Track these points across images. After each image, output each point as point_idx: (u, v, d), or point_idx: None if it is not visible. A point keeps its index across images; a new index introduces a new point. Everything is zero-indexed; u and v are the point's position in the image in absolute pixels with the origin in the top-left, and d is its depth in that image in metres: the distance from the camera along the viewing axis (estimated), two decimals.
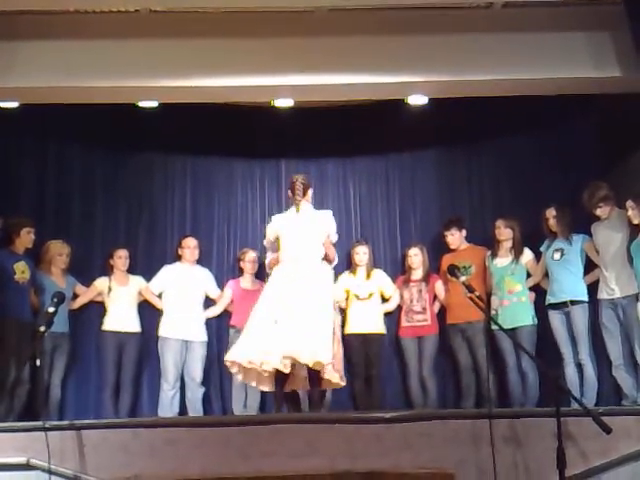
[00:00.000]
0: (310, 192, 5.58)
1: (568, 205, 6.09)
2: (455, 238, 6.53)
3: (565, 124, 6.61)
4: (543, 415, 4.17)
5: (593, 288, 5.90)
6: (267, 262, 5.64)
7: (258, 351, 5.00)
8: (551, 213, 6.12)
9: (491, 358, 6.05)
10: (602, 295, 5.76)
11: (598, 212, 5.85)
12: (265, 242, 5.68)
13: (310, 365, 4.98)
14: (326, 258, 5.46)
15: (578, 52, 5.62)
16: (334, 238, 5.58)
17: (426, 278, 6.52)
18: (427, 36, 5.65)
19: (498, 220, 6.38)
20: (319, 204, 6.76)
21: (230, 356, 5.18)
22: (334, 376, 5.04)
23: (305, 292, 5.13)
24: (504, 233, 6.33)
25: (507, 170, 6.97)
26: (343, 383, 5.22)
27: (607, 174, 6.13)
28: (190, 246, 6.68)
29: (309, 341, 4.95)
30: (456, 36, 5.63)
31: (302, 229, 5.38)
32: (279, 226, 5.48)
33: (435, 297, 6.56)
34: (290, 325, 5.02)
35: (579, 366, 5.85)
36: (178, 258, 6.72)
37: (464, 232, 6.56)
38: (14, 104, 5.94)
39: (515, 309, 6.14)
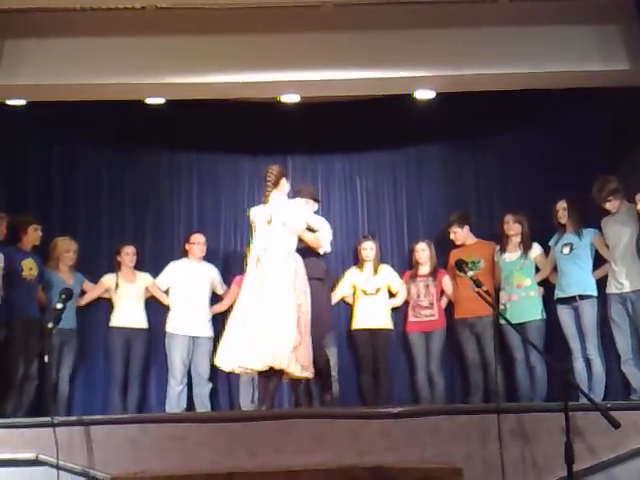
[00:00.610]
0: (284, 182, 5.48)
1: (578, 198, 6.06)
2: (459, 235, 6.51)
3: (573, 118, 6.56)
4: (551, 410, 4.16)
5: (602, 282, 5.88)
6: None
7: (240, 355, 5.00)
8: (562, 206, 6.09)
9: (499, 353, 6.06)
10: (611, 290, 5.74)
11: (608, 206, 5.82)
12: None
13: (263, 369, 4.99)
14: (309, 248, 5.44)
15: (586, 45, 5.59)
16: (317, 225, 5.55)
17: (433, 273, 6.51)
18: (434, 30, 5.63)
19: (507, 215, 6.37)
20: (325, 200, 6.81)
21: (219, 362, 5.18)
22: (296, 369, 4.97)
23: (262, 291, 5.08)
24: (513, 228, 6.32)
25: (514, 164, 6.94)
26: (306, 375, 5.11)
27: (616, 168, 6.09)
28: (200, 242, 6.68)
29: (261, 346, 4.93)
30: (463, 30, 5.61)
31: (269, 221, 5.32)
32: (252, 218, 5.46)
33: (442, 292, 6.55)
34: (250, 328, 5.01)
35: (587, 361, 5.84)
36: (185, 254, 6.73)
37: (467, 228, 6.54)
38: (21, 102, 5.96)
39: (524, 304, 6.12)
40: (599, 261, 5.99)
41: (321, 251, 5.57)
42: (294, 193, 5.72)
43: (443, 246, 6.67)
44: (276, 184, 5.42)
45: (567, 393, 3.74)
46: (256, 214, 5.45)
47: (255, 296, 5.11)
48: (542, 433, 4.15)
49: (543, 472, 4.10)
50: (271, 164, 5.56)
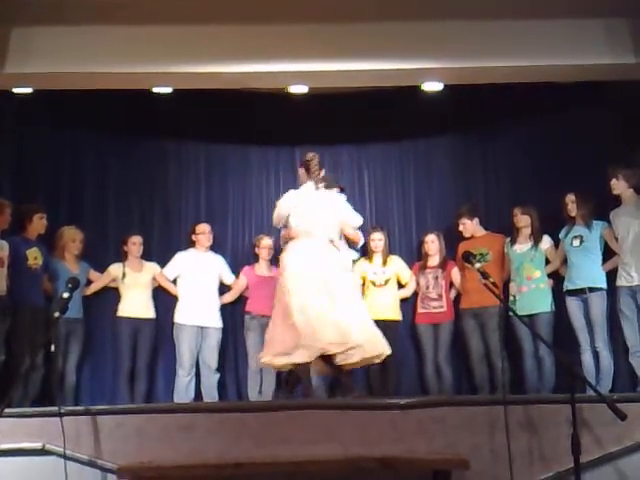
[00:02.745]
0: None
1: (588, 191, 6.05)
2: (467, 227, 6.50)
3: (581, 110, 6.53)
4: (558, 401, 4.15)
5: (611, 275, 5.86)
6: (281, 235, 5.56)
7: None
8: (570, 199, 6.08)
9: (506, 344, 6.05)
10: (621, 282, 5.73)
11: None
12: (276, 218, 5.55)
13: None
14: (350, 242, 5.50)
15: (594, 38, 5.55)
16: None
17: (443, 265, 6.50)
18: (442, 22, 5.59)
19: (515, 208, 6.36)
20: None
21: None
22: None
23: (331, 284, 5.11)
24: (522, 220, 6.31)
25: (523, 156, 6.91)
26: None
27: (624, 160, 6.07)
28: (205, 232, 6.69)
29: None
30: (471, 22, 5.57)
31: (319, 206, 5.35)
32: (296, 202, 5.42)
33: (451, 284, 6.54)
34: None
35: (595, 353, 5.83)
36: (192, 244, 6.73)
37: (476, 220, 6.52)
38: (28, 90, 5.94)
39: (533, 296, 6.12)
40: (609, 254, 5.97)
41: (359, 245, 5.66)
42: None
43: (452, 238, 6.66)
44: (320, 172, 5.45)
45: (574, 385, 3.72)
46: (301, 198, 5.42)
47: (322, 288, 5.09)
48: (549, 424, 4.13)
49: (550, 463, 4.09)
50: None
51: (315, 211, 5.33)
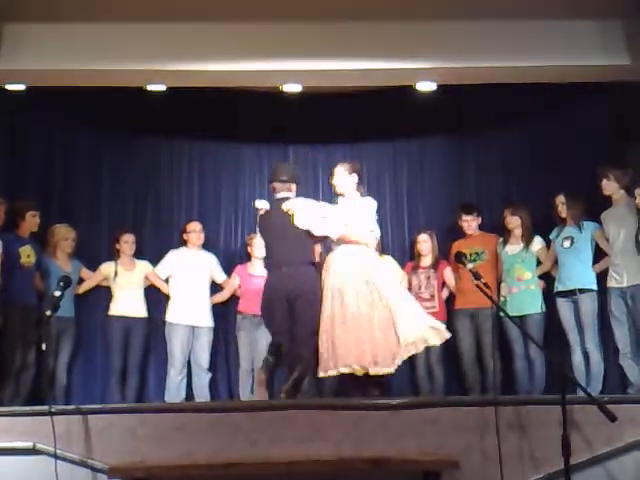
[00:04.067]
0: None
1: (578, 192, 6.07)
2: (474, 223, 6.49)
3: (575, 111, 6.56)
4: (549, 403, 4.17)
5: (602, 276, 5.88)
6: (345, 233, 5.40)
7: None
8: (560, 200, 6.09)
9: (498, 345, 6.07)
10: (611, 283, 5.74)
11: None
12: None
13: None
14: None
15: (588, 40, 5.55)
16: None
17: (435, 265, 6.50)
18: (436, 22, 5.59)
19: (506, 209, 6.37)
20: (327, 190, 6.78)
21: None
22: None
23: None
24: (512, 221, 6.32)
25: (516, 157, 6.94)
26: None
27: (616, 162, 6.09)
28: (196, 230, 6.68)
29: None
30: (465, 22, 5.57)
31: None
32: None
33: (444, 284, 6.55)
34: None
35: (586, 354, 5.85)
36: (184, 243, 6.72)
37: (479, 219, 6.54)
38: (21, 87, 5.92)
39: (524, 297, 6.13)
40: (600, 255, 5.99)
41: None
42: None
43: (444, 237, 6.67)
44: None
45: (564, 386, 3.74)
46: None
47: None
48: (540, 426, 4.15)
49: (540, 464, 4.11)
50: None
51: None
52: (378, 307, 5.12)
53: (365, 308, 5.12)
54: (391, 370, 5.07)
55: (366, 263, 5.28)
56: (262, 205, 5.54)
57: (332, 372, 5.13)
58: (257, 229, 5.79)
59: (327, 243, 5.59)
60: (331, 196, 5.84)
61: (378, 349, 5.05)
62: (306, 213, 5.34)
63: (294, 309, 5.19)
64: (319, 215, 5.38)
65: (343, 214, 5.43)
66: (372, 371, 5.02)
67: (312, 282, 5.29)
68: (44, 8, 5.47)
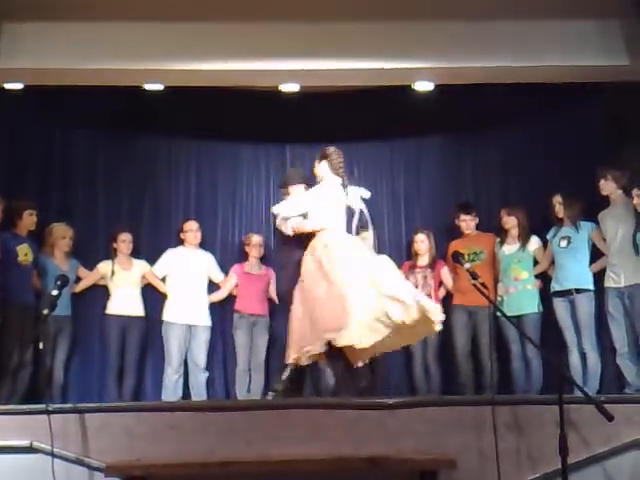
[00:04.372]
0: None
1: (575, 192, 6.07)
2: (472, 223, 6.49)
3: (572, 111, 6.56)
4: (546, 402, 4.16)
5: (598, 276, 5.88)
6: (294, 227, 5.43)
7: None
8: (557, 200, 6.10)
9: (495, 345, 6.07)
10: (608, 283, 5.75)
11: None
12: (297, 208, 5.49)
13: None
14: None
15: (587, 40, 5.56)
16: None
17: (432, 264, 6.51)
18: (434, 22, 5.59)
19: (502, 209, 6.38)
20: None
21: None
22: None
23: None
24: (508, 221, 6.33)
25: (513, 157, 6.95)
26: None
27: (614, 162, 6.10)
28: (192, 229, 6.68)
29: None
30: (463, 23, 5.57)
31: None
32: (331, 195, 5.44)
33: (440, 283, 6.55)
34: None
35: (583, 354, 5.85)
36: (181, 242, 6.72)
37: (477, 219, 6.55)
38: (19, 86, 5.91)
39: (521, 297, 6.14)
40: (596, 255, 6.00)
41: None
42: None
43: (441, 237, 6.67)
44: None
45: (561, 386, 3.74)
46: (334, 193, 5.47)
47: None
48: (537, 425, 4.15)
49: (537, 464, 4.11)
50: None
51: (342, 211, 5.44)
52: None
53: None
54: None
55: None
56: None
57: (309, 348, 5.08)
58: None
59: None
60: None
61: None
62: (278, 218, 5.55)
63: None
64: (281, 217, 5.53)
65: (299, 207, 5.46)
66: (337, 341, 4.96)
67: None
68: (42, 7, 5.47)
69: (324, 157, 5.50)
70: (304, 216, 5.40)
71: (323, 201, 5.38)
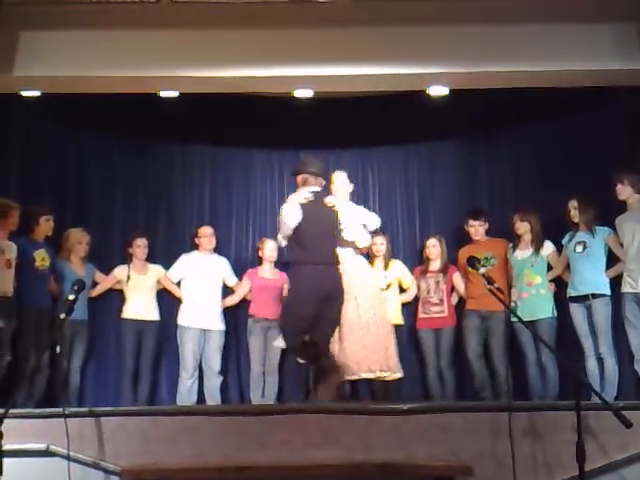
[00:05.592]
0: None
1: (591, 197, 6.04)
2: (481, 229, 6.47)
3: (588, 115, 6.53)
4: (563, 408, 4.14)
5: (615, 281, 5.84)
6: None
7: None
8: (573, 204, 6.06)
9: (509, 351, 6.03)
10: (626, 289, 5.70)
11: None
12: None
13: None
14: None
15: (602, 43, 5.52)
16: None
17: (444, 269, 6.49)
18: (449, 27, 5.58)
19: (515, 214, 6.35)
20: None
21: None
22: None
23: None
24: (521, 227, 6.30)
25: (528, 162, 6.90)
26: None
27: (631, 166, 6.06)
28: (207, 234, 6.70)
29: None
30: (478, 27, 5.56)
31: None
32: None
33: (453, 289, 6.53)
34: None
35: (600, 360, 5.80)
36: (195, 247, 6.74)
37: (487, 224, 6.52)
38: (36, 93, 5.96)
39: (534, 301, 6.10)
40: (612, 260, 5.96)
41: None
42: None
43: (454, 242, 6.66)
44: None
45: (579, 392, 3.70)
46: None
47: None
48: (553, 432, 4.13)
49: (554, 471, 4.09)
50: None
51: None
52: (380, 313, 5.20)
53: (373, 314, 5.17)
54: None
55: (367, 269, 5.61)
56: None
57: (352, 377, 5.16)
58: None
59: None
60: None
61: (389, 354, 5.07)
62: (352, 223, 5.72)
63: (322, 309, 5.22)
64: (360, 225, 5.80)
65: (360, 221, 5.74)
66: (389, 377, 5.06)
67: (341, 286, 5.38)
68: (59, 16, 5.50)
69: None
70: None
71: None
